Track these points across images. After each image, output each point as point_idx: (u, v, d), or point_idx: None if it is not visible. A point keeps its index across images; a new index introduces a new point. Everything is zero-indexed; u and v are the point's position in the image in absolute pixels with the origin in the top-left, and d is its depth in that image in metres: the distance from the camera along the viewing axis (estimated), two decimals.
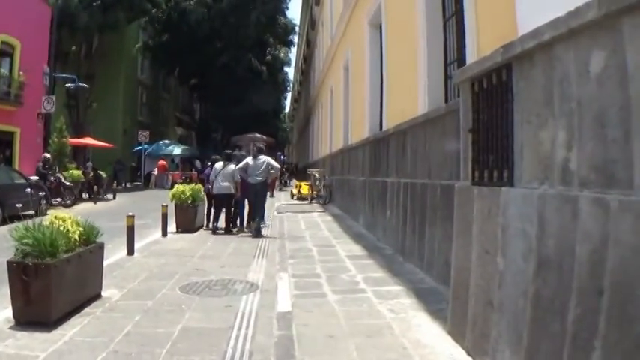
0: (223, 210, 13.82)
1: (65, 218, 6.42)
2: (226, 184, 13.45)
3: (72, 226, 6.34)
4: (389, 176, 10.29)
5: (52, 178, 21.94)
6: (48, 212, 19.34)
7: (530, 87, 3.63)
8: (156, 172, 38.09)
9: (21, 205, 15.40)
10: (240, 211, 13.89)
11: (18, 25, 25.67)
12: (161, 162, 38.25)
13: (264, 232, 13.16)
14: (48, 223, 6.14)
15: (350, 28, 17.18)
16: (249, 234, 13.02)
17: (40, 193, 19.28)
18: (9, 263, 5.64)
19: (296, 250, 10.52)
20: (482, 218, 4.30)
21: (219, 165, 13.85)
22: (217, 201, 13.78)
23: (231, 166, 13.56)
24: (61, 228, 6.14)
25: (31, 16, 26.86)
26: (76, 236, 6.35)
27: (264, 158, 13.27)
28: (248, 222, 13.66)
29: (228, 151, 15.39)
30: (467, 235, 4.62)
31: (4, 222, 15.35)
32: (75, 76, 31.28)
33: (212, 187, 13.73)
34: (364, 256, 9.70)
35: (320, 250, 10.45)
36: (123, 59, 42.87)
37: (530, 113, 3.61)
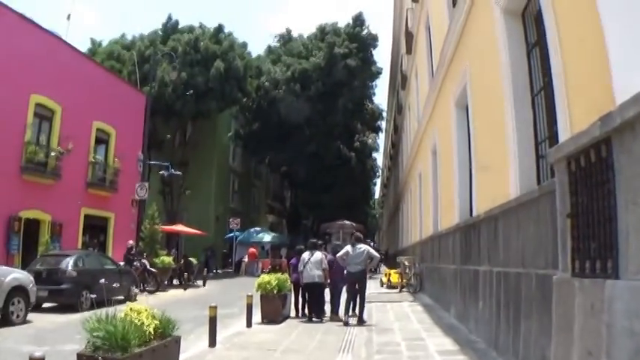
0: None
1: (140, 310, 6.34)
2: (316, 272, 13.47)
3: (147, 319, 6.23)
4: (481, 264, 9.71)
5: (137, 264, 22.41)
6: (137, 298, 19.85)
7: (633, 162, 3.25)
8: (246, 259, 38.35)
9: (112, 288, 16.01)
10: (331, 299, 13.94)
11: (113, 113, 27.17)
12: (251, 249, 38.62)
13: (351, 320, 12.90)
14: (122, 315, 6.07)
15: (436, 111, 16.92)
16: (340, 322, 12.94)
17: (130, 279, 19.74)
18: (79, 357, 5.56)
19: (383, 345, 10.01)
20: (585, 314, 3.84)
21: (306, 254, 13.89)
22: (308, 290, 13.80)
23: (319, 255, 13.68)
24: (136, 321, 6.05)
25: (126, 104, 28.53)
26: (151, 329, 6.22)
27: (363, 247, 13.31)
28: (342, 309, 13.51)
29: (314, 240, 15.45)
30: (567, 332, 4.13)
31: (92, 307, 15.61)
32: (168, 164, 32.38)
33: (301, 276, 13.73)
34: (455, 352, 9.10)
35: (409, 345, 9.90)
36: (215, 147, 44.43)
37: (637, 194, 3.22)
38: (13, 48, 20.78)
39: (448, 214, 14.18)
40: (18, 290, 13.40)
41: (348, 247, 13.41)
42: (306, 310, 14.08)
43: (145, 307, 6.46)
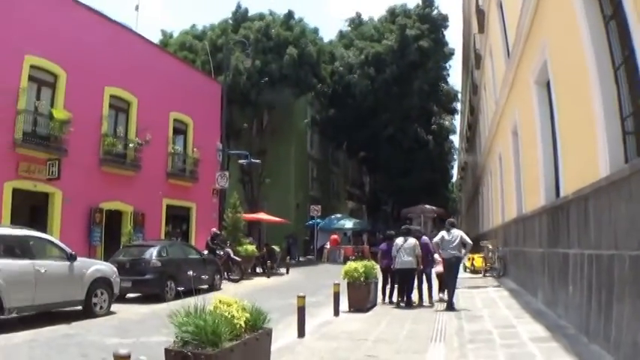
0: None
1: (230, 302, 6.02)
2: (409, 258, 13.25)
3: (237, 312, 5.90)
4: (570, 247, 8.87)
5: (220, 253, 21.88)
6: (222, 287, 19.23)
7: None
8: (328, 245, 37.55)
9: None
10: (419, 284, 13.82)
11: (190, 103, 26.67)
12: (334, 236, 37.72)
13: (440, 306, 12.96)
14: (212, 308, 5.79)
15: (515, 90, 15.76)
16: (430, 307, 13.01)
17: (214, 268, 19.32)
18: (167, 352, 5.21)
19: (475, 333, 9.47)
20: None
21: (400, 240, 13.63)
22: (401, 276, 13.58)
23: (412, 240, 13.49)
24: (226, 314, 5.75)
25: (201, 94, 27.93)
26: (242, 322, 5.89)
27: (457, 232, 13.03)
28: (430, 296, 13.76)
29: (407, 226, 15.28)
30: None
31: (177, 296, 15.23)
32: (247, 153, 31.83)
33: (394, 262, 13.46)
34: (547, 339, 8.50)
35: (501, 333, 9.32)
36: (293, 134, 43.70)
37: None
38: (85, 41, 20.45)
39: (532, 195, 13.28)
40: (101, 282, 13.10)
41: (443, 233, 13.08)
42: (394, 297, 14.00)
43: (235, 300, 6.11)
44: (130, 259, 16.16)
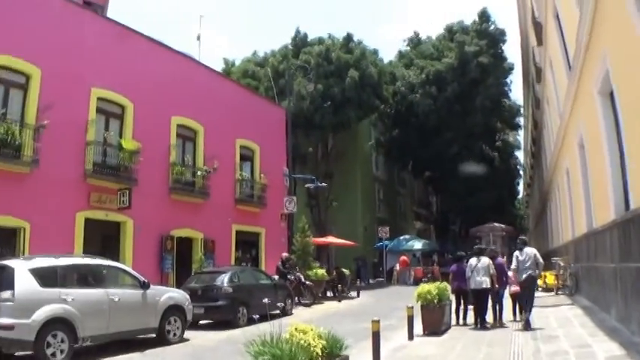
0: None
1: (306, 330, 5.98)
2: (484, 278, 13.03)
3: (314, 340, 5.86)
4: None
5: (291, 277, 21.53)
6: (293, 312, 18.83)
7: None
8: (398, 267, 36.65)
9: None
10: (493, 305, 13.46)
11: (255, 130, 26.56)
12: (403, 257, 36.85)
13: (515, 326, 12.73)
14: (287, 336, 5.77)
15: (578, 102, 15.03)
16: (504, 328, 12.82)
17: (285, 293, 19.07)
18: None
19: (552, 354, 9.13)
20: None
21: (473, 260, 13.44)
22: (475, 296, 13.31)
23: (486, 260, 13.29)
24: (302, 342, 5.72)
25: (266, 120, 27.80)
26: (318, 350, 5.84)
27: (530, 250, 12.87)
28: (500, 317, 13.43)
29: (480, 246, 15.55)
30: None
31: (249, 322, 15.07)
32: (313, 177, 31.55)
33: (468, 282, 13.28)
34: (623, 357, 8.17)
35: (577, 353, 8.98)
36: (358, 157, 43.28)
37: None
38: (150, 72, 20.68)
39: (602, 209, 12.53)
40: (174, 309, 13.00)
41: (516, 254, 12.96)
42: (468, 318, 13.78)
43: (311, 327, 6.12)
44: (202, 286, 16.09)
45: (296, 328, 5.90)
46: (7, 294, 9.68)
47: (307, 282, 22.53)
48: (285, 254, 23.48)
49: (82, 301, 10.48)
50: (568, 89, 15.99)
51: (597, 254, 13.41)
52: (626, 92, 9.14)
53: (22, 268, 10.12)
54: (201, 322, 15.76)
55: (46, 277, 10.30)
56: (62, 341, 10.07)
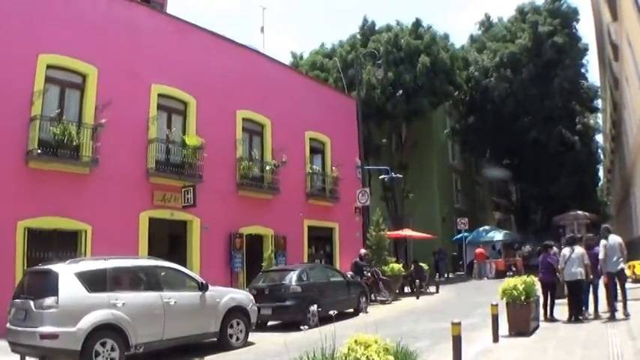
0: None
1: (369, 342, 4.91)
2: (578, 269, 12.22)
3: (378, 355, 4.76)
4: None
5: (368, 274, 20.28)
6: (368, 310, 17.59)
7: None
8: (475, 260, 34.63)
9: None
10: (587, 296, 12.72)
11: (325, 122, 25.47)
12: (479, 250, 34.65)
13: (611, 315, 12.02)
14: (346, 351, 4.85)
15: None
16: (599, 321, 12.03)
17: (358, 290, 17.96)
18: None
19: None
20: None
21: (566, 250, 12.66)
22: (570, 288, 12.45)
23: (580, 250, 12.52)
24: (363, 358, 4.69)
25: (336, 111, 26.65)
26: None
27: (616, 239, 12.28)
28: (596, 309, 12.70)
29: (574, 235, 15.56)
30: None
31: (322, 321, 13.90)
32: (387, 168, 30.16)
33: (562, 273, 12.50)
34: None
35: None
36: (433, 147, 41.49)
37: None
38: (212, 67, 19.97)
39: None
40: (236, 311, 11.96)
41: (603, 242, 12.21)
42: (556, 313, 12.89)
43: (375, 338, 5.00)
44: (269, 285, 15.21)
45: (356, 341, 4.85)
46: (50, 300, 8.88)
47: (385, 278, 21.29)
48: (363, 250, 22.37)
49: (133, 305, 9.61)
50: None
51: None
52: None
53: (66, 273, 9.28)
54: (270, 323, 14.92)
55: (94, 281, 9.47)
56: (112, 349, 9.20)
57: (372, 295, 20.32)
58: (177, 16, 19.69)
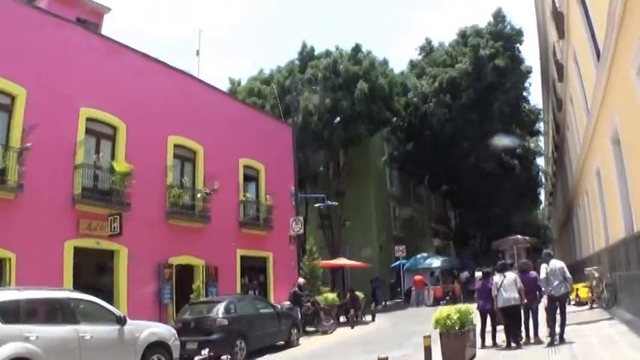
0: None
1: None
2: (512, 294, 12.58)
3: None
4: None
5: (308, 303, 20.57)
6: (300, 342, 17.82)
7: None
8: (413, 288, 35.32)
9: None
10: (526, 321, 13.01)
11: (260, 149, 25.72)
12: (417, 277, 35.41)
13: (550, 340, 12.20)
14: None
15: (611, 91, 13.93)
16: (538, 346, 12.29)
17: (290, 322, 18.25)
18: None
19: None
20: None
21: (498, 277, 13.08)
22: (506, 314, 12.83)
23: (512, 275, 12.92)
24: None
25: (272, 138, 26.96)
26: None
27: (558, 264, 12.57)
28: (536, 334, 12.92)
29: (504, 262, 15.50)
30: None
31: (248, 357, 14.37)
32: (324, 196, 30.54)
33: (495, 301, 12.83)
34: None
35: None
36: (371, 174, 42.22)
37: None
38: (144, 90, 20.00)
39: None
40: (157, 346, 11.89)
41: (544, 266, 12.56)
42: (498, 339, 13.18)
43: None
44: (195, 318, 15.22)
45: None
46: None
47: (325, 307, 21.73)
48: (302, 279, 22.76)
49: (47, 339, 9.51)
50: (597, 78, 14.93)
51: None
52: None
53: None
54: (196, 358, 14.64)
55: (7, 312, 9.36)
56: None
57: (314, 325, 20.65)
58: (111, 37, 19.67)
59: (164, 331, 12.50)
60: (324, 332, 20.89)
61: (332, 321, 21.82)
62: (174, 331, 12.81)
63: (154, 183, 19.52)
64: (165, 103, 20.73)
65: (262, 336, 15.48)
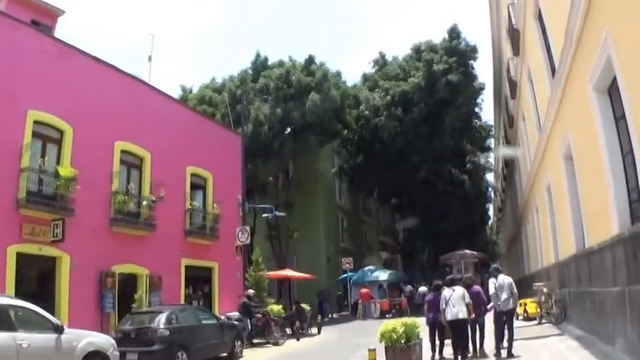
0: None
1: None
2: (460, 308, 12.72)
3: None
4: None
5: (258, 314, 20.76)
6: (243, 354, 17.96)
7: None
8: (360, 300, 35.76)
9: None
10: (473, 334, 13.43)
11: (208, 157, 25.76)
12: (363, 290, 35.72)
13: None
14: None
15: (566, 106, 14.32)
16: (485, 358, 12.86)
17: (233, 333, 18.21)
18: None
19: None
20: None
21: (447, 291, 13.19)
22: (453, 328, 12.93)
23: (460, 290, 13.09)
24: None
25: (221, 147, 27.07)
26: None
27: (506, 280, 13.12)
28: (482, 346, 13.49)
29: (452, 276, 16.86)
30: None
31: None
32: (272, 206, 30.73)
33: (444, 314, 12.96)
34: None
35: None
36: (320, 185, 42.71)
37: None
38: (93, 94, 19.81)
39: (599, 225, 11.54)
40: (95, 356, 11.75)
41: (492, 280, 13.17)
42: (445, 352, 13.47)
43: None
44: (136, 328, 15.04)
45: None
46: None
47: (276, 318, 22.00)
48: (251, 290, 22.95)
49: None
50: (552, 95, 15.42)
51: (593, 277, 12.58)
52: (634, 76, 8.23)
53: None
54: None
55: None
56: None
57: (265, 337, 20.97)
58: (63, 40, 19.51)
59: (103, 340, 12.39)
60: (275, 344, 21.08)
61: (282, 332, 22.02)
62: (113, 341, 12.71)
63: (99, 189, 19.37)
64: (114, 108, 20.61)
65: (204, 347, 15.50)
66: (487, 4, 31.37)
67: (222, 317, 19.62)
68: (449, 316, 12.73)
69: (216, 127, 29.05)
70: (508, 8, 23.26)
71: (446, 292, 13.21)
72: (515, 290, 13.09)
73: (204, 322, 16.96)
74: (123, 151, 21.03)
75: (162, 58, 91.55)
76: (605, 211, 10.50)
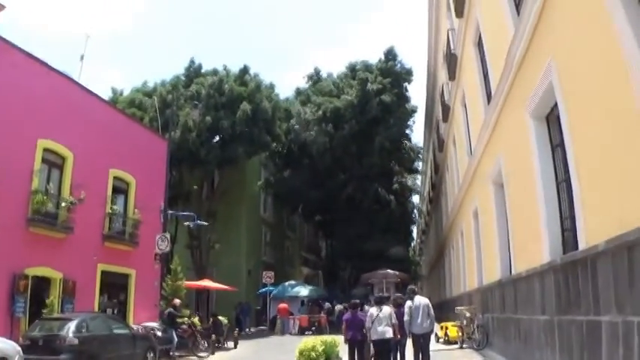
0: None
1: None
2: (387, 328, 12.92)
3: None
4: (601, 313, 7.27)
5: (184, 325, 20.74)
6: None
7: None
8: (278, 316, 36.04)
9: None
10: (394, 354, 13.70)
11: (133, 161, 25.56)
12: (282, 305, 36.03)
13: None
14: None
15: (500, 130, 14.60)
16: None
17: (146, 345, 18.06)
18: None
19: None
20: None
21: (374, 309, 13.36)
22: (377, 347, 13.16)
23: (388, 309, 13.30)
24: None
25: (146, 151, 26.92)
26: None
27: (423, 301, 13.44)
28: None
29: (382, 295, 17.21)
30: None
31: None
32: (194, 215, 30.66)
33: (369, 333, 13.15)
34: None
35: None
36: (245, 197, 42.83)
37: None
38: (16, 86, 19.36)
39: (527, 252, 11.83)
40: None
41: (408, 302, 13.35)
42: None
43: None
44: (44, 335, 14.64)
45: None
46: None
47: (202, 329, 22.09)
48: (177, 300, 22.77)
49: None
50: (486, 120, 15.79)
51: (519, 304, 12.68)
52: (574, 109, 8.52)
53: None
54: None
55: None
56: None
57: (190, 349, 20.98)
58: None
59: (7, 347, 12.20)
60: (200, 358, 21.05)
61: (209, 345, 21.99)
62: (18, 348, 12.47)
63: (17, 187, 18.91)
64: (38, 104, 20.22)
65: (115, 359, 15.37)
66: (426, 29, 32.52)
67: (138, 327, 19.46)
68: (374, 336, 12.89)
69: (143, 130, 28.79)
70: (447, 33, 24.13)
71: (373, 310, 13.37)
72: (432, 312, 13.34)
73: (115, 331, 16.71)
74: (46, 150, 20.59)
75: (96, 59, 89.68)
76: (536, 238, 10.64)
